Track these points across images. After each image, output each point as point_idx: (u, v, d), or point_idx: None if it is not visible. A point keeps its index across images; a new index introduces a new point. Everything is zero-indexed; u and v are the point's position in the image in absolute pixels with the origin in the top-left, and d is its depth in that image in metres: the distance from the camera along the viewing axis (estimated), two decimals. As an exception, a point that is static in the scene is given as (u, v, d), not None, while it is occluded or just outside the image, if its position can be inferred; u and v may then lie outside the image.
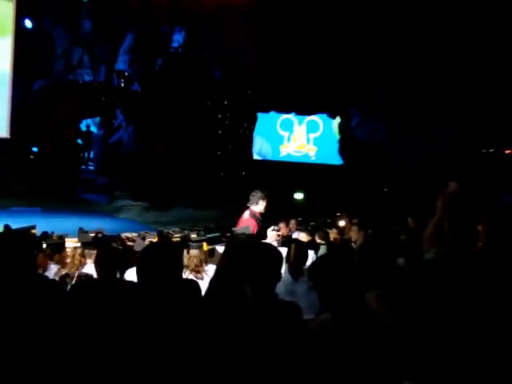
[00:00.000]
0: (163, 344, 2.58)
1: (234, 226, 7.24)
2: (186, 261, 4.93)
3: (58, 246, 6.27)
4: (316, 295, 4.82)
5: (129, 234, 10.06)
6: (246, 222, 7.22)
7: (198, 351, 2.59)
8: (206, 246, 5.35)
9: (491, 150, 17.95)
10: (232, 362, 2.52)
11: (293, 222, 9.89)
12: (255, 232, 7.45)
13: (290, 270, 5.23)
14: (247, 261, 2.96)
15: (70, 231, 8.20)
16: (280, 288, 4.91)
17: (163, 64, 21.31)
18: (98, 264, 4.28)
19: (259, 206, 7.17)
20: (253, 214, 7.18)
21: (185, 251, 5.02)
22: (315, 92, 19.35)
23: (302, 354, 2.59)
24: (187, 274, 4.89)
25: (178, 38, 21.37)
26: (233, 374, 2.51)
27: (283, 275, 5.24)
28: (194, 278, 4.80)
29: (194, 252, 5.09)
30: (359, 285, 3.05)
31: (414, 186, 16.80)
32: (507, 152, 17.67)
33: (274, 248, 3.24)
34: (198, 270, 4.98)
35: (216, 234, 5.54)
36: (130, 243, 7.17)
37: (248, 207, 7.23)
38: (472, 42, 16.54)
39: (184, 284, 3.33)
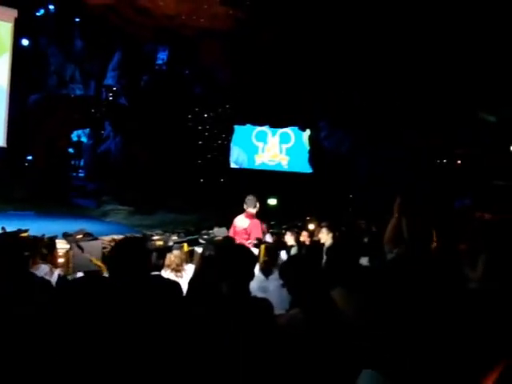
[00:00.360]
0: (145, 341, 2.55)
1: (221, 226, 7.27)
2: (167, 261, 4.90)
3: (48, 247, 6.19)
4: (286, 292, 4.84)
5: (115, 236, 9.96)
6: (258, 223, 7.28)
7: (179, 347, 2.57)
8: (186, 247, 5.33)
9: (445, 161, 18.20)
10: (210, 355, 2.51)
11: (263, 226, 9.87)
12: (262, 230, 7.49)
13: (262, 269, 5.23)
14: (223, 261, 2.95)
15: (61, 233, 8.10)
16: (253, 285, 4.91)
17: (148, 80, 21.30)
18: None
19: (255, 209, 7.18)
20: (252, 215, 7.19)
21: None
22: (287, 107, 19.45)
23: (274, 347, 2.58)
24: (168, 273, 4.86)
25: (162, 56, 21.37)
26: (211, 367, 2.49)
27: (256, 274, 5.25)
28: (175, 277, 4.77)
29: (175, 252, 5.06)
30: (326, 282, 3.06)
31: (376, 193, 16.94)
32: (459, 162, 17.92)
33: (248, 249, 3.23)
34: (178, 269, 4.97)
35: (195, 237, 5.51)
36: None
37: (244, 210, 7.22)
38: (433, 55, 16.73)
39: (167, 284, 3.31)
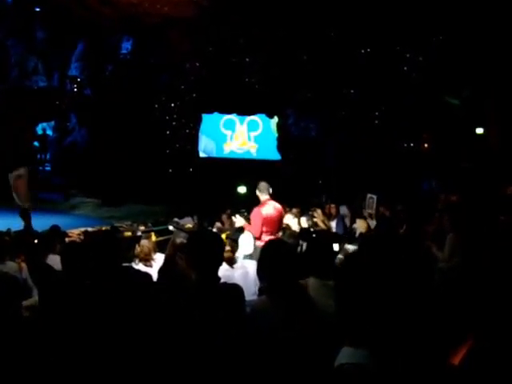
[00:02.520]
0: (119, 330, 2.53)
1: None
2: (136, 251, 4.89)
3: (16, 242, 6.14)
4: (251, 280, 4.89)
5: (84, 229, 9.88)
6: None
7: (152, 335, 2.57)
8: (153, 237, 5.32)
9: (412, 145, 18.43)
10: (183, 342, 2.51)
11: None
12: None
13: (225, 259, 5.25)
14: (192, 248, 2.94)
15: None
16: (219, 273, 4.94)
17: (113, 70, 21.04)
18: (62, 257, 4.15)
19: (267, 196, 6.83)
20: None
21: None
22: (254, 94, 19.44)
23: (244, 332, 2.60)
24: (137, 263, 4.85)
25: (126, 46, 21.10)
26: (183, 353, 2.49)
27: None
28: (144, 267, 4.76)
29: (143, 242, 5.04)
30: (296, 270, 3.07)
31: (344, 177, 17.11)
32: (426, 146, 18.16)
33: (217, 235, 3.23)
34: (147, 259, 4.95)
35: (164, 227, 5.47)
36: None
37: (270, 198, 6.80)
38: (398, 39, 16.90)
39: (137, 275, 3.30)
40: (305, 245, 5.11)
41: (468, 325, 2.30)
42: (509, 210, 7.40)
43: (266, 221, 6.53)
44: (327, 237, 5.24)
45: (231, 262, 5.24)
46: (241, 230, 6.58)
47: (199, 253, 2.85)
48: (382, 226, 7.13)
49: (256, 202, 6.95)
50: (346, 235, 8.40)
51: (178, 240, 4.96)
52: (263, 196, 6.74)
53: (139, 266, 4.81)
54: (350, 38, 17.38)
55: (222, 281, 2.90)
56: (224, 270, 5.00)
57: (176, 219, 6.17)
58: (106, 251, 2.81)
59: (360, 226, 7.70)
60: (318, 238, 4.38)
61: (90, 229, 8.25)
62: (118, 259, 3.05)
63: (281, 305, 2.78)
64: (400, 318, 1.70)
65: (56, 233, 6.60)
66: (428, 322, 2.31)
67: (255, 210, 6.68)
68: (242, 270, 5.18)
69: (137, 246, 4.98)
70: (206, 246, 2.89)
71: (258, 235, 6.38)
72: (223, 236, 5.47)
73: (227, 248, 5.31)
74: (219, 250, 2.98)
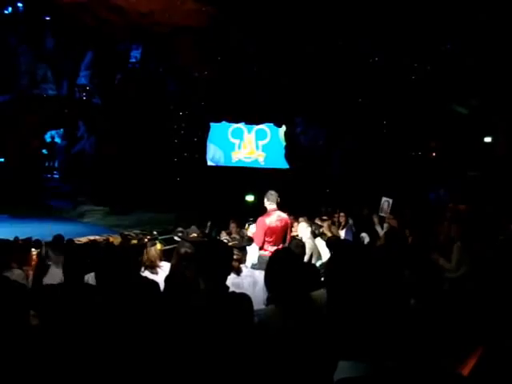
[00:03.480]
0: (128, 338, 2.53)
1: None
2: (142, 258, 4.92)
3: (23, 250, 6.16)
4: (260, 289, 4.88)
5: (92, 237, 9.93)
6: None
7: (160, 344, 2.57)
8: (159, 245, 5.33)
9: (420, 153, 18.40)
10: (191, 350, 2.51)
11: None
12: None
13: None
14: (200, 257, 2.95)
15: (36, 236, 8.03)
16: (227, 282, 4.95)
17: (122, 78, 21.14)
18: (64, 268, 4.16)
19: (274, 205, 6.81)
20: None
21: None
22: (263, 103, 19.48)
23: (252, 341, 2.59)
24: (143, 270, 4.87)
25: (135, 54, 21.21)
26: (191, 361, 2.49)
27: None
28: (150, 274, 4.78)
29: (149, 249, 5.06)
30: (303, 280, 3.07)
31: (352, 187, 17.08)
32: (433, 155, 18.13)
33: (225, 245, 3.24)
34: (153, 266, 4.96)
35: (169, 236, 5.45)
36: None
37: (277, 208, 6.78)
38: (405, 48, 16.90)
39: (145, 284, 3.30)
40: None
41: (477, 335, 2.29)
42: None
43: (270, 231, 6.51)
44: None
45: (238, 271, 5.24)
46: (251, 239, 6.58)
47: (208, 262, 2.86)
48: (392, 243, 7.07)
49: (264, 210, 6.95)
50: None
51: (183, 250, 4.97)
52: (271, 205, 6.73)
53: (145, 274, 4.83)
54: (358, 47, 17.41)
55: (231, 289, 2.90)
56: (232, 278, 5.00)
57: (181, 229, 6.16)
58: (122, 264, 2.81)
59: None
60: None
61: (92, 237, 8.27)
62: (134, 270, 3.05)
63: (289, 315, 2.78)
64: (401, 328, 1.67)
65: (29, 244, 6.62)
66: (436, 331, 2.30)
67: (260, 220, 6.67)
68: (250, 279, 5.18)
69: (144, 253, 5.02)
70: (215, 255, 2.90)
71: (259, 244, 6.37)
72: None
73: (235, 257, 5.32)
74: (228, 260, 2.98)
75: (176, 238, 5.92)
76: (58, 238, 7.19)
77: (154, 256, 5.06)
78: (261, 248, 6.35)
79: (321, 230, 7.98)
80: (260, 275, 5.03)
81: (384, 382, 1.53)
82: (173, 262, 4.64)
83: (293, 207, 11.60)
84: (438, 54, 16.22)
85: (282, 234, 6.72)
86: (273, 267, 3.10)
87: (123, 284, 2.73)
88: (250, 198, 18.06)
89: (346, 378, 1.55)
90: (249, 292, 4.43)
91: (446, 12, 14.66)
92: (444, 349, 2.14)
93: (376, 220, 8.96)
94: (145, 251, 5.04)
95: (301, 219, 8.95)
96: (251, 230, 6.91)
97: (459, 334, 2.29)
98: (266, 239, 6.48)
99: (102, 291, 2.78)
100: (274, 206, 6.74)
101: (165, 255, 5.42)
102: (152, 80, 20.65)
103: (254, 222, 7.22)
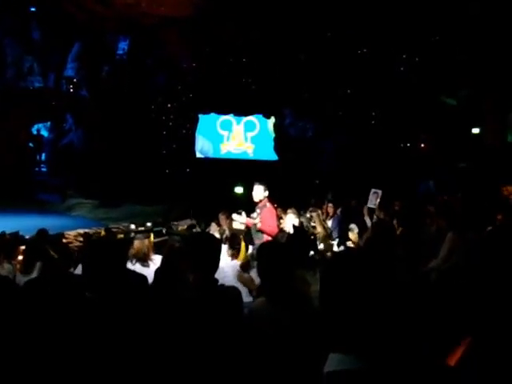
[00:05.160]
0: (117, 332, 2.52)
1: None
2: (134, 250, 4.90)
3: (11, 244, 6.13)
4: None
5: (81, 231, 9.88)
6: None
7: (150, 337, 2.57)
8: (152, 238, 5.32)
9: (409, 145, 18.48)
10: (181, 343, 2.52)
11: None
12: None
13: (241, 266, 5.26)
14: (188, 251, 2.95)
15: (25, 230, 7.99)
16: (229, 273, 4.95)
17: (109, 70, 21.02)
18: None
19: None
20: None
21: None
22: (251, 94, 19.45)
23: (242, 334, 2.60)
24: (134, 263, 4.85)
25: (122, 46, 21.08)
26: (182, 355, 2.49)
27: (231, 262, 5.27)
28: (141, 266, 4.77)
29: (142, 242, 5.03)
30: (292, 271, 3.08)
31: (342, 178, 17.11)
32: (422, 146, 18.21)
33: (213, 237, 3.23)
34: (144, 259, 4.94)
35: (159, 228, 5.41)
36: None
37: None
38: (393, 41, 16.93)
39: (133, 276, 3.30)
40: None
41: (465, 325, 2.29)
42: (505, 209, 7.40)
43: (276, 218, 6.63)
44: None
45: (246, 268, 5.22)
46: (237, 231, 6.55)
47: (196, 255, 2.86)
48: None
49: (253, 202, 6.96)
50: (342, 234, 8.47)
51: (173, 243, 4.97)
52: (265, 195, 6.83)
53: (136, 266, 4.82)
54: (346, 38, 17.40)
55: (232, 281, 2.91)
56: (235, 270, 5.04)
57: (176, 223, 6.17)
58: (110, 259, 2.78)
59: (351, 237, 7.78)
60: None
61: (87, 230, 8.22)
62: (121, 264, 3.03)
63: (278, 306, 2.78)
64: (391, 320, 1.67)
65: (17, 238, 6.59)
66: (424, 322, 2.31)
67: (269, 209, 6.72)
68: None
69: (135, 245, 5.01)
70: (203, 248, 2.90)
71: (275, 233, 6.34)
72: (243, 244, 5.48)
73: (245, 259, 5.32)
74: (216, 253, 2.98)
75: (164, 231, 5.91)
76: (42, 233, 7.17)
77: (147, 248, 5.05)
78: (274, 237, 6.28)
79: (311, 223, 7.99)
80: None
81: (374, 374, 1.54)
82: (163, 254, 4.63)
83: (282, 199, 11.63)
84: (427, 45, 16.26)
85: None
86: (260, 260, 3.11)
87: (108, 278, 2.71)
88: (239, 189, 18.04)
89: (336, 370, 1.56)
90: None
91: (434, 3, 14.69)
92: (431, 339, 2.15)
93: (365, 211, 8.99)
94: (135, 243, 5.02)
95: (289, 211, 8.95)
96: (241, 219, 6.86)
97: (447, 324, 2.30)
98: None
99: (88, 285, 2.76)
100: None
101: (154, 248, 5.40)
102: (140, 72, 20.53)
103: (244, 213, 7.20)
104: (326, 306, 1.66)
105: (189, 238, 3.61)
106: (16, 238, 6.88)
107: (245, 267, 5.25)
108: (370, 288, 1.59)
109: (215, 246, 3.02)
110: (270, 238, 6.24)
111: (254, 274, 5.24)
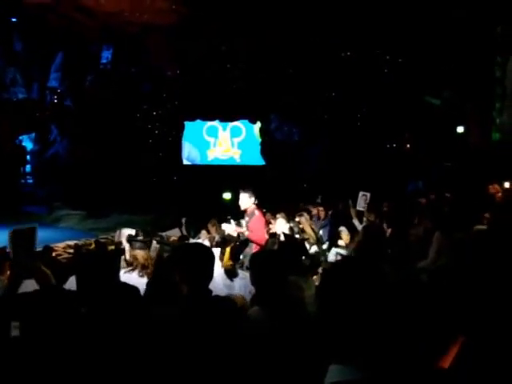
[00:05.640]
0: (108, 345, 2.52)
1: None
2: (133, 259, 4.84)
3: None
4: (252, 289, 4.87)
5: (70, 242, 9.80)
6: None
7: (143, 350, 2.56)
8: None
9: (394, 145, 18.59)
10: (174, 355, 2.51)
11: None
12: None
13: (226, 271, 5.24)
14: (181, 262, 2.94)
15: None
16: (219, 282, 4.93)
17: (93, 80, 20.91)
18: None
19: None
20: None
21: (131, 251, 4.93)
22: (236, 100, 19.47)
23: (237, 345, 2.60)
24: (136, 272, 4.77)
25: (106, 55, 20.98)
26: (175, 367, 2.49)
27: (221, 271, 5.26)
28: (138, 276, 4.72)
29: (140, 251, 4.94)
30: (286, 278, 3.09)
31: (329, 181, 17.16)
32: (408, 146, 18.32)
33: (206, 248, 3.23)
34: (147, 266, 4.83)
35: (147, 239, 5.31)
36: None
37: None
38: (379, 42, 17.04)
39: (124, 289, 3.28)
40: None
41: (457, 327, 2.32)
42: (492, 208, 7.48)
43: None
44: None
45: (232, 274, 5.20)
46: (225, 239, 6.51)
47: (189, 267, 2.86)
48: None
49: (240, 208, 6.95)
50: (332, 238, 8.50)
51: (164, 254, 4.94)
52: (252, 202, 6.78)
53: (133, 275, 4.74)
54: (330, 41, 17.48)
55: (223, 289, 2.91)
56: (224, 279, 5.01)
57: (164, 233, 6.13)
58: (101, 272, 2.79)
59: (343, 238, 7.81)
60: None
61: (76, 242, 8.16)
62: (113, 277, 3.03)
63: (274, 314, 2.79)
64: (388, 326, 1.68)
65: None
66: (416, 324, 2.33)
67: (259, 218, 6.67)
68: (243, 281, 5.14)
69: (127, 255, 4.96)
70: (196, 259, 2.90)
71: (263, 242, 6.32)
72: (227, 249, 5.46)
73: (228, 262, 5.29)
74: (209, 264, 2.97)
75: (154, 242, 5.86)
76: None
77: (146, 256, 4.93)
78: (263, 246, 6.28)
79: (300, 227, 8.02)
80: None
81: (373, 382, 1.54)
82: (155, 266, 4.61)
83: (270, 203, 11.64)
84: (410, 46, 16.38)
85: None
86: (253, 268, 3.12)
87: (100, 292, 2.71)
88: (227, 195, 18.03)
89: (336, 381, 1.54)
90: (241, 292, 4.43)
91: (417, 4, 14.82)
92: (424, 341, 2.17)
93: (353, 213, 9.02)
94: (138, 252, 4.90)
95: (278, 215, 8.98)
96: (229, 227, 6.85)
97: (439, 326, 2.32)
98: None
99: (82, 299, 2.76)
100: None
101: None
102: (124, 80, 20.47)
103: (233, 220, 7.19)
104: (325, 316, 1.65)
105: (181, 248, 3.59)
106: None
107: (229, 273, 5.25)
108: (369, 298, 1.59)
109: (208, 256, 3.01)
110: (258, 247, 6.23)
111: (238, 280, 5.25)
